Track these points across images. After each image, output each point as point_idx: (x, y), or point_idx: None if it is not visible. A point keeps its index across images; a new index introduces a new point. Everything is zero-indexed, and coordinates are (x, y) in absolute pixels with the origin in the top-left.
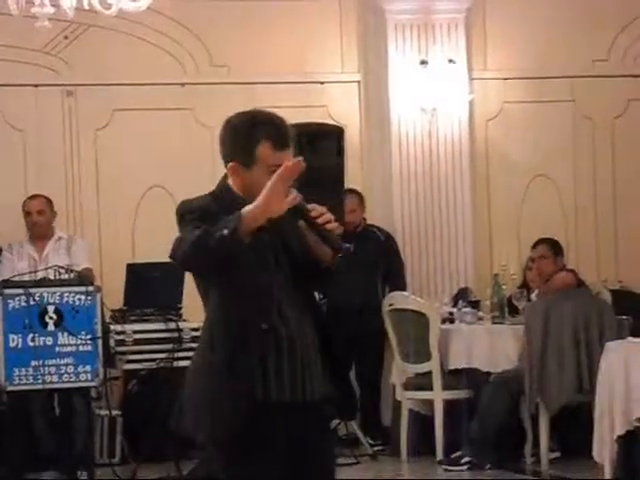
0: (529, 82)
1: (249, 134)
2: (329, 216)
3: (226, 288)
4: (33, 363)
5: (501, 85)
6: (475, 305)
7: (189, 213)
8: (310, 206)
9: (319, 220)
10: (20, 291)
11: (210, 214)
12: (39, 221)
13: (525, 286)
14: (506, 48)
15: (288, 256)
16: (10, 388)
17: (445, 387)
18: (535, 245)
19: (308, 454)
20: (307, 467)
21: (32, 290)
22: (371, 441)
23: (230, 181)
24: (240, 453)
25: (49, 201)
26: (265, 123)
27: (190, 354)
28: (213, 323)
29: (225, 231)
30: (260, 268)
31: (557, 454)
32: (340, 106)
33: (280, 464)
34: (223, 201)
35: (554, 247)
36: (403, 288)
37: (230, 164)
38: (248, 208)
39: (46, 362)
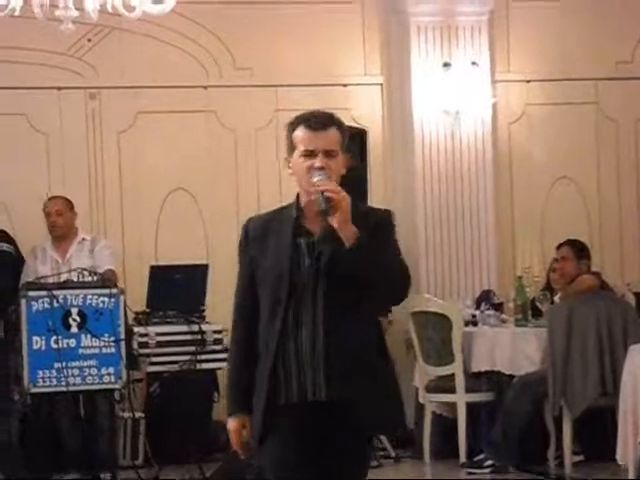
0: (552, 84)
1: (291, 124)
2: (329, 186)
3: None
4: (56, 365)
5: (524, 87)
6: (498, 307)
7: (240, 250)
8: (324, 182)
9: (321, 187)
10: (44, 293)
11: (252, 241)
12: (57, 222)
13: (549, 288)
14: (529, 50)
15: (325, 261)
16: (34, 390)
17: (468, 390)
18: (559, 246)
19: (323, 449)
20: (322, 461)
21: (56, 292)
22: (392, 444)
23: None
24: (263, 442)
25: (68, 202)
26: (305, 113)
27: (213, 356)
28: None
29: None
30: (292, 274)
31: (580, 457)
32: (363, 109)
33: (292, 453)
34: (283, 214)
35: (578, 249)
36: None
37: (285, 158)
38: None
39: (69, 364)
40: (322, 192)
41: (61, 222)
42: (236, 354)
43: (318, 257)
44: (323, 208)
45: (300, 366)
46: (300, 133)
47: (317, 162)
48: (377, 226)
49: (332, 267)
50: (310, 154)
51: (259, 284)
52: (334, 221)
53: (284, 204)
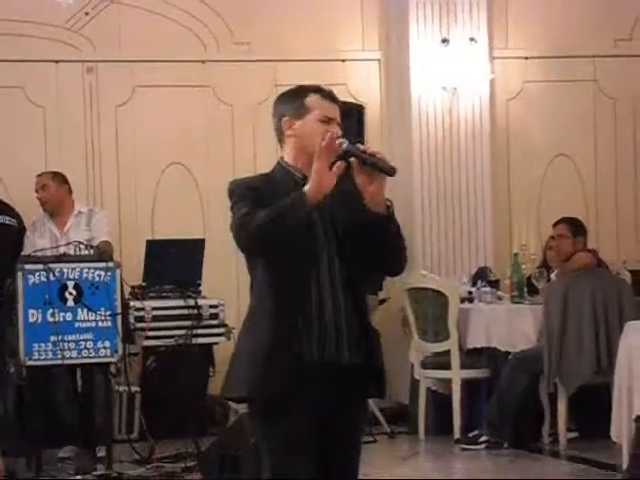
0: (550, 61)
1: (298, 91)
2: (376, 150)
3: (273, 258)
4: (52, 338)
5: (522, 64)
6: (494, 284)
7: (248, 189)
8: (358, 145)
9: (369, 151)
10: (40, 267)
11: (262, 194)
12: (43, 197)
13: (545, 266)
14: (528, 27)
15: (339, 228)
16: (30, 363)
17: (463, 366)
18: (556, 224)
19: (338, 418)
20: (336, 430)
21: (52, 266)
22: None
23: (284, 155)
24: (276, 411)
25: (56, 176)
26: (310, 85)
27: (209, 331)
28: (261, 290)
29: (295, 203)
30: (307, 238)
31: (575, 434)
32: (361, 84)
33: (309, 423)
34: (277, 178)
35: (574, 227)
36: None
37: (284, 119)
38: (306, 188)
39: (65, 337)
40: (372, 155)
41: (46, 196)
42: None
43: (331, 219)
44: (390, 168)
45: (324, 329)
46: (318, 100)
47: (337, 130)
48: None
49: (348, 228)
50: (328, 121)
51: None
52: (373, 185)
53: (266, 171)
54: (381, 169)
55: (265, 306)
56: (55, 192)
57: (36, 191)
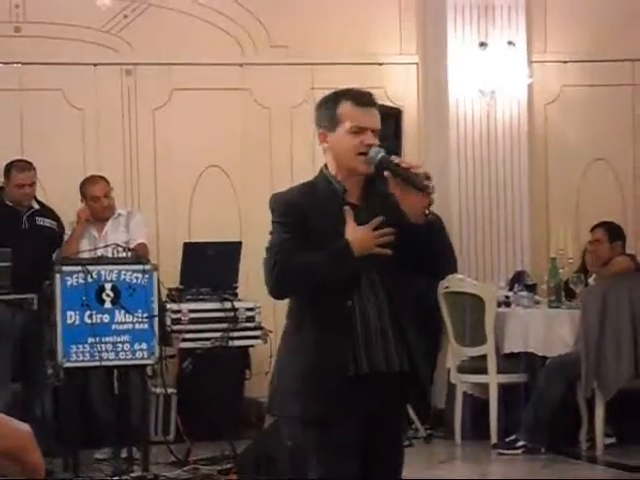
0: (589, 65)
1: (333, 98)
2: (412, 162)
3: None
4: (90, 340)
5: (560, 68)
6: (532, 289)
7: (284, 216)
8: (393, 157)
9: (403, 165)
10: (78, 268)
11: (303, 210)
12: (109, 204)
13: (583, 270)
14: (566, 31)
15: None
16: (67, 364)
17: (500, 371)
18: (593, 229)
19: (383, 420)
20: (379, 437)
21: (90, 267)
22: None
23: (327, 163)
24: (324, 422)
25: (107, 181)
26: (346, 89)
27: (245, 334)
28: (300, 306)
29: (339, 260)
30: None
31: (613, 440)
32: (398, 87)
33: (354, 426)
34: (319, 187)
35: (611, 231)
36: None
37: (319, 131)
38: (350, 241)
39: (103, 339)
40: (406, 169)
41: (112, 203)
42: (300, 256)
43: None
44: (421, 184)
45: (369, 337)
46: (349, 109)
47: (369, 139)
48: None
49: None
50: (360, 131)
51: None
52: (409, 198)
53: (309, 180)
54: (413, 185)
55: (308, 325)
56: (112, 198)
57: (94, 198)
